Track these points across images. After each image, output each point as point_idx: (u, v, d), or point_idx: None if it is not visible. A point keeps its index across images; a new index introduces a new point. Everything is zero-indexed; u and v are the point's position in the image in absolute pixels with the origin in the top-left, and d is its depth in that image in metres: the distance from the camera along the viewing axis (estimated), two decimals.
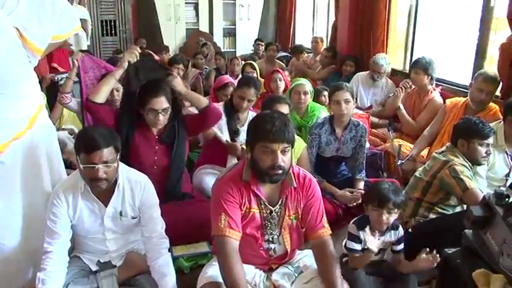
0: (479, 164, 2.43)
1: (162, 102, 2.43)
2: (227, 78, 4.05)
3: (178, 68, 4.83)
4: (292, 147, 1.77)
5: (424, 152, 3.37)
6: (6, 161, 1.89)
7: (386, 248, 2.13)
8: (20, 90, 1.92)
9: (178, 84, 2.59)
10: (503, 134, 2.68)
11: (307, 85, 3.44)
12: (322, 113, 3.45)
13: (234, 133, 3.10)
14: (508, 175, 2.71)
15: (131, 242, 2.10)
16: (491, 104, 3.12)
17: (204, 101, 2.67)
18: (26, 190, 1.97)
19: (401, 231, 2.12)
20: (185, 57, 5.76)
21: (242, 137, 3.07)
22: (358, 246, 2.06)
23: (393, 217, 2.04)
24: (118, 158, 1.92)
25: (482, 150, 2.34)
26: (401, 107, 3.77)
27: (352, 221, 2.13)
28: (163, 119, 2.47)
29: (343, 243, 2.17)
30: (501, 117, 3.02)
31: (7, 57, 1.80)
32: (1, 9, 1.76)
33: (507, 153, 2.69)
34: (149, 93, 2.45)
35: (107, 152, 1.84)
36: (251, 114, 3.15)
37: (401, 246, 2.11)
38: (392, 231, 2.10)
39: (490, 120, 2.72)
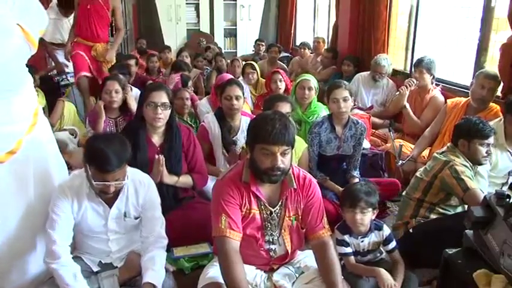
0: (480, 164, 2.42)
1: (161, 96, 2.44)
2: (228, 76, 4.08)
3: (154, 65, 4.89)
4: (292, 148, 1.77)
5: (425, 153, 3.37)
6: (20, 156, 1.92)
7: (375, 249, 2.14)
8: (24, 85, 1.98)
9: (165, 176, 2.50)
10: (504, 132, 2.68)
11: (312, 81, 3.47)
12: (324, 112, 3.46)
13: (230, 145, 3.07)
14: (511, 172, 2.71)
15: (133, 242, 2.10)
16: (492, 104, 3.12)
17: (189, 184, 2.63)
18: (37, 186, 2.00)
19: (386, 230, 2.14)
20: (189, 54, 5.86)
21: (239, 145, 3.06)
22: (348, 249, 2.09)
23: (368, 217, 2.06)
24: (127, 169, 1.91)
25: (483, 150, 2.34)
26: (407, 105, 3.77)
27: (336, 227, 2.14)
28: (161, 114, 2.44)
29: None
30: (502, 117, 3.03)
31: (16, 57, 1.85)
32: (5, 5, 1.79)
33: (510, 152, 2.69)
34: (150, 89, 2.50)
35: (120, 172, 1.84)
36: (244, 120, 3.13)
37: (392, 245, 2.12)
38: (376, 232, 2.12)
39: (491, 120, 2.72)
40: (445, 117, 3.32)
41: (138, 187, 2.00)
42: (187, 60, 5.75)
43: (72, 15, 4.76)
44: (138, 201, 2.00)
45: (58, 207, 1.90)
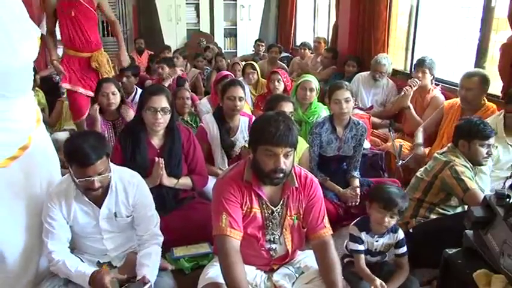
0: (481, 165, 2.42)
1: (161, 101, 2.42)
2: (225, 71, 4.19)
3: (163, 68, 4.86)
4: (295, 150, 1.77)
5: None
6: (30, 152, 1.95)
7: (386, 250, 2.13)
8: (30, 85, 2.03)
9: (165, 178, 2.50)
10: (503, 125, 2.70)
11: (313, 82, 3.47)
12: (324, 112, 3.47)
13: (229, 147, 3.07)
14: None
15: (130, 240, 2.10)
16: (489, 104, 3.14)
17: (189, 185, 2.62)
18: (42, 182, 2.03)
19: (401, 234, 2.11)
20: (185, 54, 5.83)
21: (238, 146, 3.06)
22: (361, 247, 2.06)
23: (393, 221, 2.05)
24: (109, 163, 1.91)
25: (483, 151, 2.34)
26: (411, 106, 3.77)
27: (353, 223, 2.13)
28: (161, 119, 2.43)
29: (345, 245, 2.17)
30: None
31: (32, 60, 1.92)
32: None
33: (510, 145, 2.70)
34: (150, 92, 2.47)
35: (100, 164, 1.82)
36: (243, 120, 3.13)
37: (403, 250, 2.10)
38: (391, 234, 2.10)
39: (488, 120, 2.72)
40: (442, 118, 3.34)
41: (127, 186, 1.99)
42: (180, 60, 5.74)
43: None
44: (128, 200, 1.99)
45: (49, 216, 1.91)
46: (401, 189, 2.10)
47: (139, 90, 4.21)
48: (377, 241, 2.09)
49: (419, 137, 3.37)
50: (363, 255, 2.06)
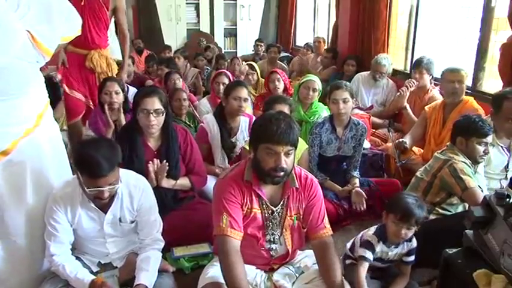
0: (477, 163, 2.42)
1: (154, 103, 2.39)
2: (223, 70, 4.23)
3: (163, 70, 4.84)
4: (296, 149, 1.77)
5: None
6: (15, 159, 1.90)
7: (398, 259, 2.08)
8: (29, 89, 1.96)
9: (163, 180, 2.47)
10: (492, 128, 2.70)
11: (317, 82, 3.47)
12: (324, 112, 3.47)
13: (229, 148, 3.07)
14: (507, 167, 2.72)
15: (132, 243, 2.10)
16: (464, 97, 3.17)
17: (187, 186, 2.61)
18: (34, 188, 1.98)
19: (414, 243, 2.06)
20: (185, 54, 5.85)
21: (238, 147, 3.06)
22: (370, 256, 2.00)
23: (411, 232, 1.99)
24: (119, 172, 1.88)
25: (481, 148, 2.33)
26: (408, 106, 3.77)
27: (372, 232, 2.06)
28: (154, 120, 2.40)
29: (348, 246, 2.15)
30: (477, 106, 3.09)
31: (20, 60, 1.84)
32: (14, 12, 1.77)
33: (501, 147, 2.70)
34: (143, 94, 2.45)
35: (112, 176, 1.80)
36: (243, 120, 3.13)
37: (411, 258, 2.06)
38: (405, 243, 2.05)
39: (470, 112, 2.77)
40: (426, 123, 3.33)
41: (133, 191, 1.98)
42: (181, 60, 5.74)
43: None
44: (133, 205, 1.99)
45: (53, 218, 1.89)
46: (418, 198, 2.03)
47: (131, 88, 4.19)
48: (392, 251, 2.04)
49: (407, 139, 3.37)
50: (367, 264, 2.00)
